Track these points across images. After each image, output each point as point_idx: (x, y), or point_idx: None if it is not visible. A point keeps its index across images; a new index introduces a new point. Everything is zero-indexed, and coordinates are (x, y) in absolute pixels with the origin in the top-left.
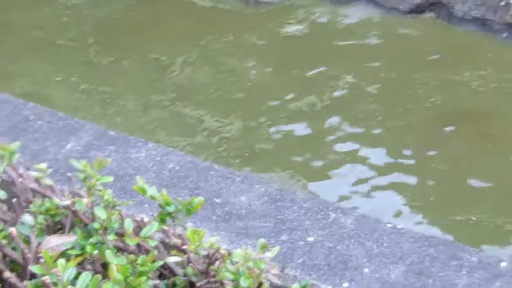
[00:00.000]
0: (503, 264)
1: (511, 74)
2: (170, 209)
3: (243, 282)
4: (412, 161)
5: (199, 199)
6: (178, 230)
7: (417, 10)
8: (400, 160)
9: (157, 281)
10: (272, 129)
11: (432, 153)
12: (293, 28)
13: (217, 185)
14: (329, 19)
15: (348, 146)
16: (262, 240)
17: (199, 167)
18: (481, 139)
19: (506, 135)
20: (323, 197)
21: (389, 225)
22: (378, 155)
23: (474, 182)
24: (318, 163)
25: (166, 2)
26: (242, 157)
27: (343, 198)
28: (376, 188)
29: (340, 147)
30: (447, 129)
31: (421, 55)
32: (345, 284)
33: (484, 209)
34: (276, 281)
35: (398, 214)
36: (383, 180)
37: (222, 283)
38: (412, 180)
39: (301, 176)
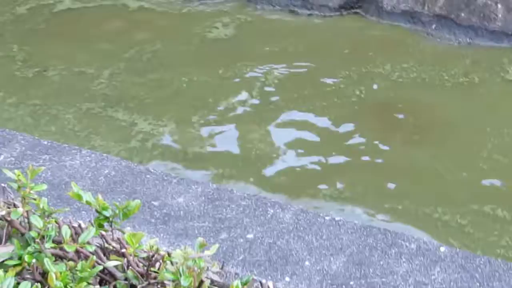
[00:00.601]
0: (442, 249)
1: (433, 65)
2: (107, 213)
3: (183, 281)
4: (340, 154)
5: (135, 202)
6: (117, 234)
7: (346, 6)
8: (328, 153)
9: (98, 287)
10: (206, 129)
11: (358, 144)
12: (220, 31)
13: (154, 188)
14: (255, 21)
15: (279, 142)
16: (200, 239)
17: (134, 171)
18: (406, 129)
19: (428, 125)
20: (260, 194)
21: (327, 218)
22: (307, 150)
23: (400, 172)
24: (252, 161)
25: (92, 10)
26: (177, 158)
27: (280, 193)
28: (310, 181)
29: (271, 144)
30: (371, 120)
31: (345, 51)
32: (287, 279)
33: (411, 198)
34: (216, 278)
35: (333, 207)
36: (314, 174)
37: (163, 284)
38: (341, 172)
39: (237, 174)
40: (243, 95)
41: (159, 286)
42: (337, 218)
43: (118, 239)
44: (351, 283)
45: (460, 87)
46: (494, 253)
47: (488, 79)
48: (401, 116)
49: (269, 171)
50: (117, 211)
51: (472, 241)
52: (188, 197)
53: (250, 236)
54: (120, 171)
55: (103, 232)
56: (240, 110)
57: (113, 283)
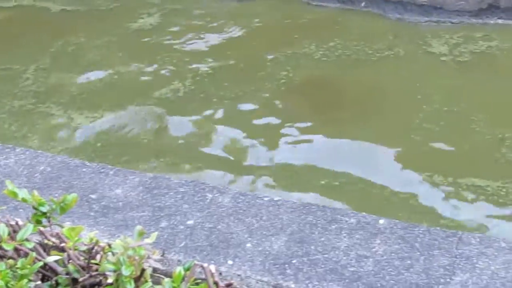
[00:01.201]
0: (381, 221)
1: (359, 41)
2: (44, 209)
3: (124, 271)
4: (273, 134)
5: (72, 196)
6: (56, 230)
7: None
8: (260, 135)
9: (39, 283)
10: (142, 119)
11: (288, 125)
12: (145, 21)
13: (91, 181)
14: (182, 8)
15: (213, 127)
16: (139, 227)
17: (70, 165)
18: (334, 106)
19: (355, 99)
20: (198, 180)
21: (266, 199)
22: (240, 135)
23: (333, 148)
24: (186, 147)
25: (15, 10)
26: (115, 149)
27: (217, 178)
28: (244, 165)
29: (205, 129)
30: (299, 100)
31: (274, 34)
32: (230, 262)
33: (346, 174)
34: (159, 266)
35: (271, 186)
36: (250, 156)
37: (105, 275)
38: (276, 152)
39: (174, 162)
40: (177, 84)
41: (101, 278)
42: (276, 198)
43: (57, 234)
44: (294, 261)
45: (385, 61)
46: (437, 222)
47: (412, 52)
48: (327, 93)
49: (208, 159)
50: (54, 206)
51: (416, 212)
52: (126, 188)
53: (190, 222)
54: (56, 166)
55: (42, 228)
56: (174, 97)
57: (55, 278)
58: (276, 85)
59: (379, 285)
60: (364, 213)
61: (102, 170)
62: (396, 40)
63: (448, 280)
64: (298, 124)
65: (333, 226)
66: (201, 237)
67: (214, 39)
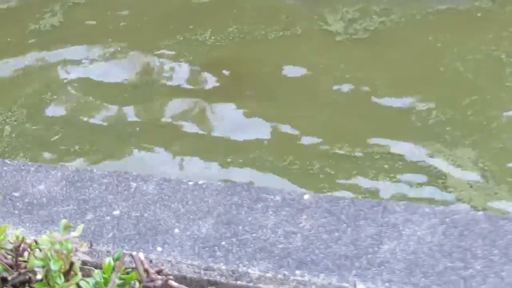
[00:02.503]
0: (306, 196)
1: (255, 23)
2: None
3: (53, 265)
4: (182, 114)
5: None
6: None
7: None
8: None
9: None
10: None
11: (191, 110)
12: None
13: (12, 179)
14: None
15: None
16: (64, 221)
17: None
18: (234, 87)
19: (253, 80)
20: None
21: (190, 183)
22: (155, 118)
23: (240, 128)
24: (106, 137)
25: None
26: (34, 146)
27: (142, 167)
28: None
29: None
30: (199, 85)
31: (169, 22)
32: (159, 248)
33: (258, 152)
34: (87, 258)
35: (185, 169)
36: (165, 141)
37: (34, 272)
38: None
39: (95, 153)
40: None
41: (30, 275)
42: (200, 182)
43: None
44: (223, 243)
45: (282, 40)
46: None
47: (308, 29)
48: (226, 74)
49: (129, 148)
50: None
51: (334, 184)
52: (48, 183)
53: (116, 212)
54: None
55: None
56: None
57: None
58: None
59: (309, 259)
60: (287, 189)
61: (23, 167)
62: (295, 18)
63: (376, 249)
64: (199, 109)
65: (259, 205)
66: (128, 226)
67: (106, 29)
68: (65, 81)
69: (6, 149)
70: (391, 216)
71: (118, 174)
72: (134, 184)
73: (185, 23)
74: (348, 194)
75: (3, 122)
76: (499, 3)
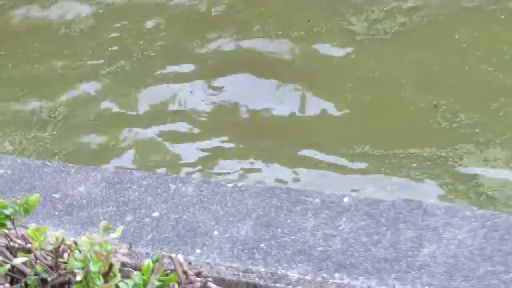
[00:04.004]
0: (345, 199)
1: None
2: (7, 211)
3: (92, 267)
4: None
5: (34, 196)
6: (22, 231)
7: None
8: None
9: (8, 285)
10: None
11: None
12: None
13: (53, 180)
14: None
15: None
16: (104, 222)
17: (31, 166)
18: None
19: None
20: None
21: (230, 185)
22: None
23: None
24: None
25: None
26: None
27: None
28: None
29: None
30: None
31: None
32: (198, 251)
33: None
34: (126, 260)
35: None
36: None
37: (73, 273)
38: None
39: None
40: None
41: (70, 276)
42: (239, 184)
43: (23, 235)
44: (262, 245)
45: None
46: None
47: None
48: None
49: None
50: (17, 208)
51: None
52: (88, 185)
53: (155, 214)
54: (17, 169)
55: (6, 231)
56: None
57: (24, 280)
58: None
59: (348, 262)
60: (327, 191)
61: (63, 169)
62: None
63: (416, 252)
64: None
65: (298, 208)
66: (167, 228)
67: None
68: None
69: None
70: (431, 219)
71: (158, 176)
72: (173, 186)
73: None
74: (382, 194)
75: None
76: None
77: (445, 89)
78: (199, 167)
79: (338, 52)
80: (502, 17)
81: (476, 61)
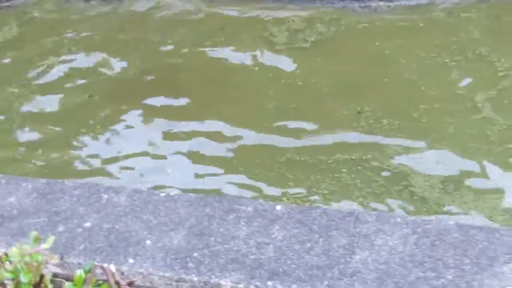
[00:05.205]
0: (278, 207)
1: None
2: None
3: (23, 278)
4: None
5: None
6: None
7: None
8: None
9: None
10: None
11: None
12: None
13: None
14: None
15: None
16: (34, 233)
17: None
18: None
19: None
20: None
21: (162, 194)
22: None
23: None
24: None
25: None
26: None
27: (109, 177)
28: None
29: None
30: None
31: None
32: (131, 260)
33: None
34: (58, 270)
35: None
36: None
37: (4, 284)
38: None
39: (68, 164)
40: None
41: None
42: (172, 193)
43: None
44: (195, 254)
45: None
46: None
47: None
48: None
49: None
50: None
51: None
52: (19, 195)
53: (88, 224)
54: None
55: None
56: None
57: None
58: None
59: (281, 270)
60: (261, 200)
61: None
62: None
63: (348, 259)
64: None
65: (231, 216)
66: (100, 238)
67: None
68: None
69: None
70: (363, 226)
71: (90, 186)
72: (105, 196)
73: None
74: (314, 200)
75: None
76: (448, 12)
77: (368, 96)
78: None
79: (261, 61)
80: (421, 24)
81: (397, 69)
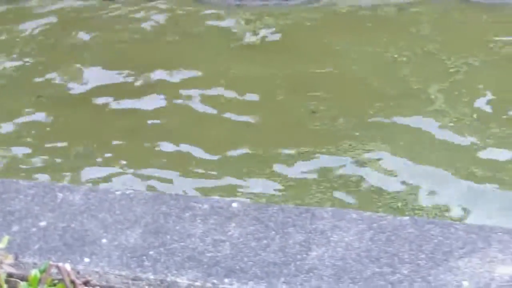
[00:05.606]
0: (234, 204)
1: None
2: None
3: None
4: None
5: None
6: None
7: None
8: None
9: None
10: None
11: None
12: None
13: None
14: None
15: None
16: None
17: None
18: None
19: None
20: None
21: (118, 193)
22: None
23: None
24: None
25: None
26: None
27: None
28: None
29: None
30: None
31: None
32: (86, 259)
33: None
34: (13, 270)
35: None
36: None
37: None
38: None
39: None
40: None
41: None
42: (127, 192)
43: None
44: (151, 252)
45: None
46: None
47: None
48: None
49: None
50: None
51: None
52: None
53: (43, 223)
54: None
55: None
56: None
57: None
58: None
59: (237, 267)
60: (217, 197)
61: None
62: None
63: (304, 255)
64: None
65: (187, 214)
66: (55, 238)
67: None
68: None
69: None
70: (319, 223)
71: (44, 185)
72: (60, 195)
73: None
74: (271, 196)
75: None
76: (399, 8)
77: (321, 94)
78: None
79: (211, 58)
80: (371, 21)
81: (348, 66)
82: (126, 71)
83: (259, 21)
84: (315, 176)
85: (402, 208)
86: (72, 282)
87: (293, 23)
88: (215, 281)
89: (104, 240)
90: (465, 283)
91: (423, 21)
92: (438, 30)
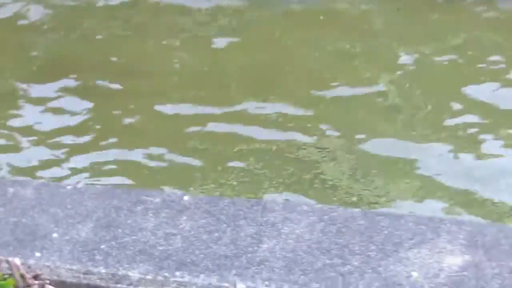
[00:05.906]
0: (186, 198)
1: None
2: None
3: None
4: None
5: None
6: None
7: None
8: None
9: None
10: None
11: None
12: None
13: None
14: None
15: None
16: None
17: None
18: None
19: None
20: None
21: (69, 187)
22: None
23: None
24: None
25: None
26: None
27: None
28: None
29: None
30: None
31: None
32: (37, 254)
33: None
34: None
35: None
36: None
37: None
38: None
39: None
40: None
41: None
42: (78, 186)
43: None
44: (102, 246)
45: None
46: None
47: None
48: None
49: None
50: None
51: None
52: None
53: None
54: None
55: None
56: None
57: None
58: None
59: (189, 260)
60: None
61: None
62: None
63: (256, 248)
64: None
65: (139, 208)
66: (6, 232)
67: None
68: None
69: None
70: (271, 215)
71: None
72: (11, 189)
73: None
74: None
75: None
76: (350, 3)
77: (274, 88)
78: None
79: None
80: (322, 16)
81: (301, 60)
82: None
83: (213, 15)
84: (267, 170)
85: (357, 202)
86: (22, 276)
87: (248, 17)
88: (166, 274)
89: (55, 235)
90: (415, 274)
91: (374, 16)
92: (389, 25)
